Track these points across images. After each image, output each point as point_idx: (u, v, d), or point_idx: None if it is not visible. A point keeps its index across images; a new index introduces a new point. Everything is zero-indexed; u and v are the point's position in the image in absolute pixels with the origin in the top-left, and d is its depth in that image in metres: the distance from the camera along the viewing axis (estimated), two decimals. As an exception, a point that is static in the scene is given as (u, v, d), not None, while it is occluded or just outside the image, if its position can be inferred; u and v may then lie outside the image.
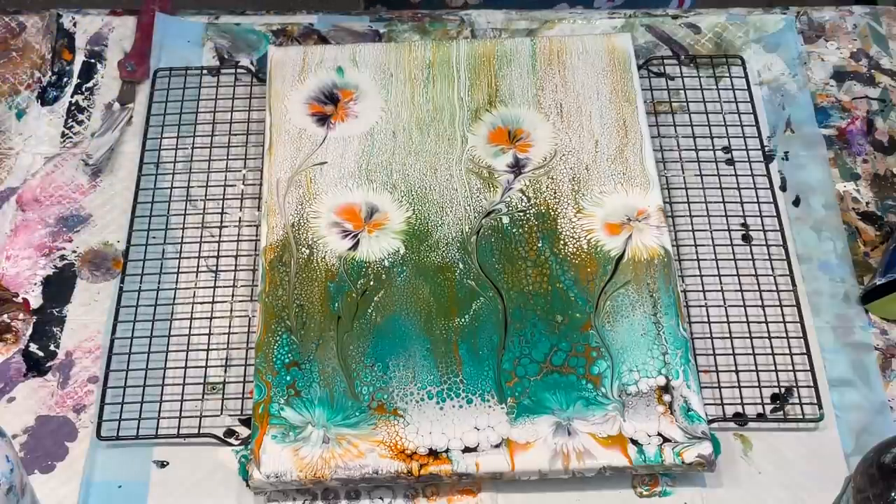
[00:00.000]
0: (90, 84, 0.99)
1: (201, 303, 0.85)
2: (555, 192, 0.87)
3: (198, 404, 0.80)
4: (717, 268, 0.86)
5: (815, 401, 0.80)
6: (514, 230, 0.85)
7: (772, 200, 0.89)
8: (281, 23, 1.02)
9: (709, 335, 0.83)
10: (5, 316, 0.85)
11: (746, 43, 1.01)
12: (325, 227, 0.86)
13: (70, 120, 0.96)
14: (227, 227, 0.89)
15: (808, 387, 0.80)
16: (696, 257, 0.87)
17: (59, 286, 0.87)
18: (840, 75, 1.00)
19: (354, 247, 0.85)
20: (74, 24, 1.02)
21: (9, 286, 0.87)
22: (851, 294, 0.87)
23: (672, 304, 0.81)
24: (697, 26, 1.02)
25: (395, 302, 0.82)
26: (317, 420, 0.77)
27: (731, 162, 0.92)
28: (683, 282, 0.85)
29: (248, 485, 0.76)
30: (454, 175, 0.89)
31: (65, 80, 0.99)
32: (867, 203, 0.92)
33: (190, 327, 0.84)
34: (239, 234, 0.88)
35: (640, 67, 0.96)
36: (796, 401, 0.80)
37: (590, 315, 0.81)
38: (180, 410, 0.80)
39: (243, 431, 0.79)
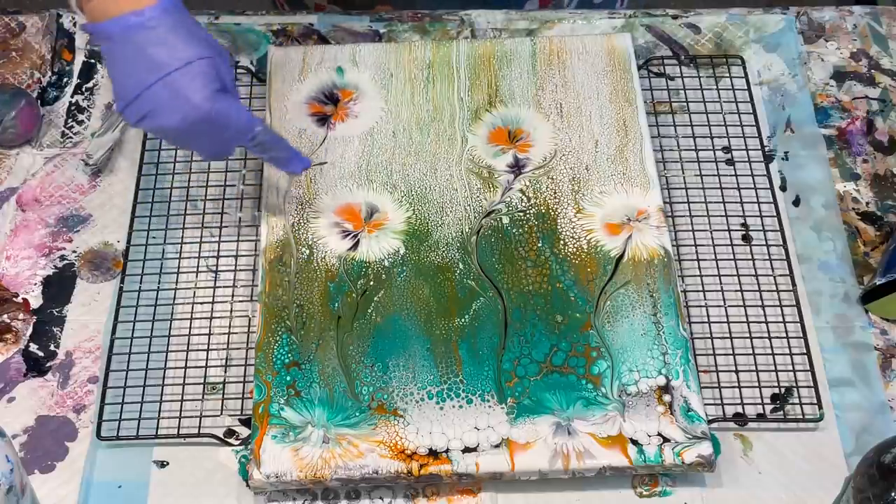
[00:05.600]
0: (90, 84, 0.99)
1: (201, 303, 0.85)
2: (555, 192, 0.87)
3: (198, 404, 0.80)
4: (717, 268, 0.86)
5: (815, 401, 0.80)
6: (514, 230, 0.86)
7: (772, 200, 0.89)
8: (281, 23, 1.02)
9: (709, 335, 0.83)
10: (5, 316, 0.85)
11: (746, 43, 1.01)
12: (325, 227, 0.86)
13: (70, 120, 0.96)
14: (227, 227, 0.89)
15: (808, 387, 0.81)
16: (696, 257, 0.87)
17: (59, 286, 0.87)
18: (840, 75, 1.00)
19: (354, 247, 0.85)
20: (74, 24, 1.02)
21: (9, 286, 0.87)
22: (851, 294, 0.87)
23: (672, 304, 0.81)
24: (697, 26, 1.02)
25: (395, 302, 0.82)
26: (317, 420, 0.77)
27: (731, 162, 0.92)
28: (683, 282, 0.85)
29: (248, 485, 0.76)
30: (454, 175, 0.89)
31: (65, 80, 0.99)
32: (867, 203, 0.92)
33: (190, 327, 0.84)
34: (239, 234, 0.88)
35: (640, 67, 0.96)
36: (796, 401, 0.80)
37: (590, 315, 0.81)
38: (180, 410, 0.80)
39: (243, 431, 0.79)
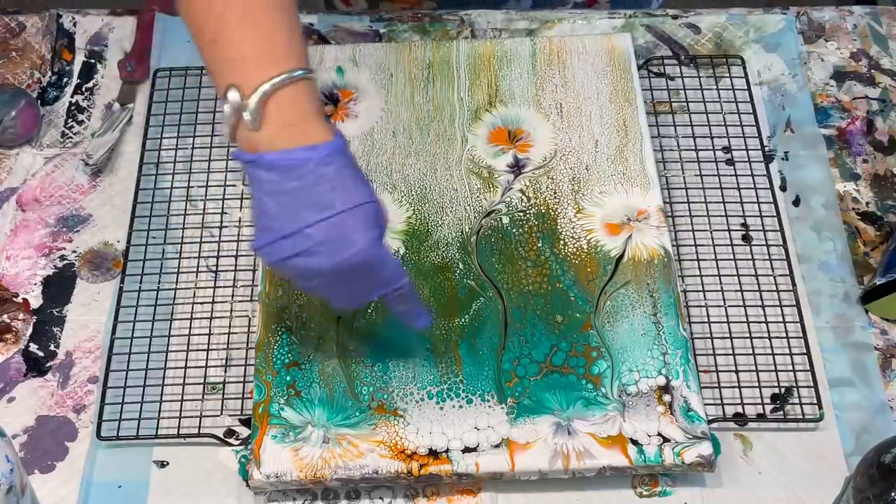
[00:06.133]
0: (90, 84, 0.99)
1: (201, 303, 0.85)
2: (555, 192, 0.87)
3: (198, 404, 0.80)
4: (717, 268, 0.86)
5: (815, 401, 0.80)
6: (514, 230, 0.85)
7: (772, 200, 0.89)
8: (281, 23, 1.02)
9: (709, 335, 0.83)
10: (5, 316, 0.85)
11: (746, 43, 1.01)
12: (325, 227, 0.85)
13: (70, 120, 0.96)
14: (227, 227, 0.89)
15: (808, 387, 0.80)
16: (696, 257, 0.87)
17: (59, 286, 0.87)
18: (840, 75, 1.00)
19: (354, 247, 0.85)
20: (74, 24, 1.02)
21: (9, 286, 0.87)
22: (851, 294, 0.87)
23: (672, 304, 0.81)
24: (697, 26, 1.02)
25: (395, 302, 0.82)
26: (317, 420, 0.77)
27: (731, 162, 0.92)
28: (683, 282, 0.85)
29: (248, 485, 0.76)
30: (454, 175, 0.89)
31: (65, 80, 0.99)
32: (867, 203, 0.92)
33: (190, 327, 0.84)
34: (239, 234, 0.88)
35: (640, 67, 0.96)
36: (796, 401, 0.80)
37: (590, 315, 0.81)
38: (180, 410, 0.80)
39: (243, 431, 0.79)
